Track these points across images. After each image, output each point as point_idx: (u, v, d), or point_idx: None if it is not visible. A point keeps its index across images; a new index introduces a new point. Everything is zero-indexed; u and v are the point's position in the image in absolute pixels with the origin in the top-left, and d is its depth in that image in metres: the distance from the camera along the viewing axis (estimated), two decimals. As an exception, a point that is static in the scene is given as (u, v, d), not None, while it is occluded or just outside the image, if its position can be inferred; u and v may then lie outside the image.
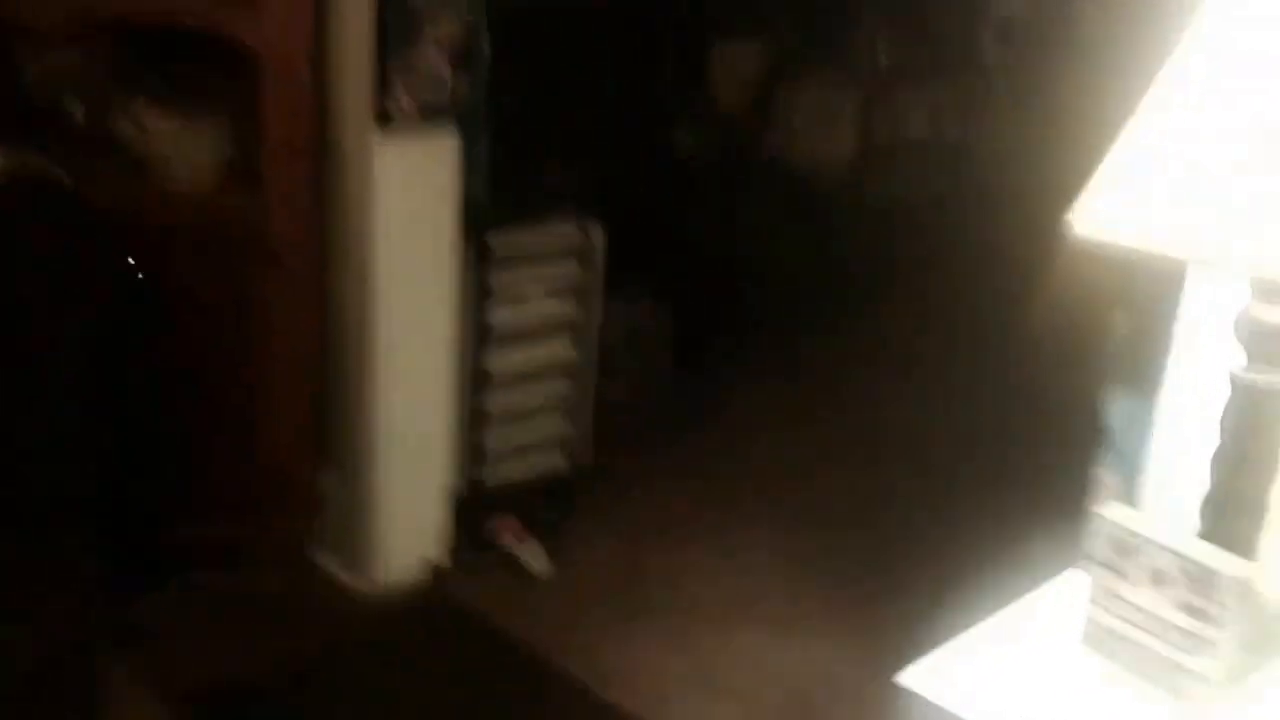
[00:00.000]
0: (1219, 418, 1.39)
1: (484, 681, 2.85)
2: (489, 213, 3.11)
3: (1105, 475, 2.09)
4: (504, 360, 3.28)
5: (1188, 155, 1.29)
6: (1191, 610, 1.32)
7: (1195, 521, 1.42)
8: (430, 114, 2.85)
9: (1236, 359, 1.37)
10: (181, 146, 2.86)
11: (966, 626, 1.44)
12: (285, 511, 3.14)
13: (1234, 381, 1.37)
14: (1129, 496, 2.08)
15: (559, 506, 3.48)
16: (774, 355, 4.65)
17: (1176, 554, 1.32)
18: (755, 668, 2.94)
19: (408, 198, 2.91)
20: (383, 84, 2.76)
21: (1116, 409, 2.07)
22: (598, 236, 3.36)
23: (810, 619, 3.14)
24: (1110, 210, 1.30)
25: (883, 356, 4.78)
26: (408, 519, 3.15)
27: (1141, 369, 2.03)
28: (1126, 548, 1.37)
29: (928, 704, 1.31)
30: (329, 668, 2.88)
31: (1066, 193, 1.39)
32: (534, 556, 3.27)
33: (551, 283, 3.34)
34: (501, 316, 3.24)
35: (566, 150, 3.32)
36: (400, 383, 3.03)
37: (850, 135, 4.82)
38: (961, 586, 3.28)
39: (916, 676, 1.34)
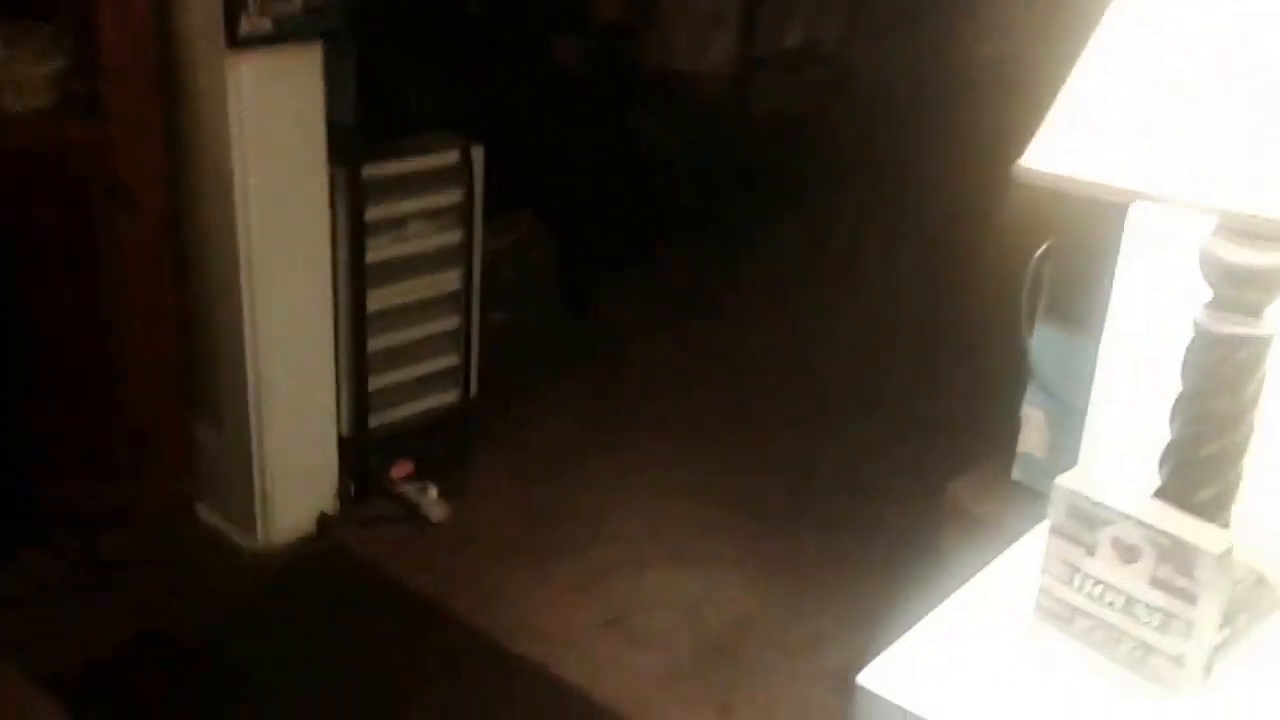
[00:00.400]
0: (1180, 365, 1.27)
1: (385, 639, 2.69)
2: (360, 138, 2.85)
3: (1030, 412, 1.99)
4: (386, 295, 3.05)
5: (1151, 85, 1.15)
6: (1164, 586, 1.21)
7: (1140, 472, 1.31)
8: (289, 29, 2.58)
9: (1200, 301, 1.24)
10: (13, 67, 2.55)
11: (916, 609, 1.31)
12: (157, 469, 2.91)
13: (1198, 327, 1.24)
14: (1055, 434, 1.99)
15: (451, 445, 3.30)
16: (663, 276, 4.49)
17: (1148, 527, 1.21)
18: (667, 609, 2.83)
19: (269, 124, 2.64)
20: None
21: (1042, 343, 1.96)
22: (478, 158, 3.13)
23: (719, 553, 3.04)
24: (1070, 148, 1.16)
25: (777, 275, 4.66)
26: (293, 469, 2.94)
27: (1071, 302, 1.92)
28: (1089, 518, 1.25)
29: (891, 706, 1.18)
30: (213, 632, 2.69)
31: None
32: (430, 501, 3.10)
33: (432, 210, 3.11)
34: (381, 249, 3.01)
35: (440, 66, 3.05)
36: (276, 326, 2.80)
37: (735, 42, 4.60)
38: (865, 517, 3.24)
39: (877, 677, 1.21)
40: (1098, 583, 1.26)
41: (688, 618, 2.80)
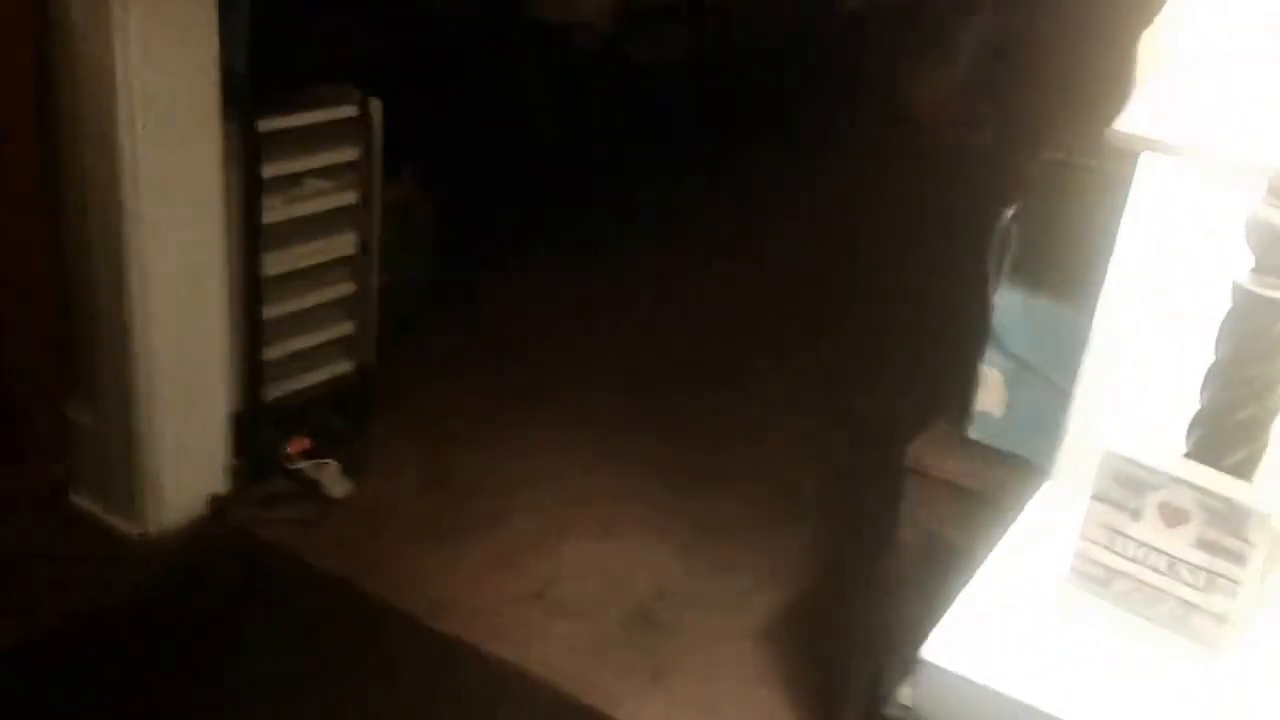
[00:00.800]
0: (1216, 332, 1.27)
1: (298, 627, 2.54)
2: (254, 88, 2.65)
3: (988, 371, 2.00)
4: (280, 259, 2.87)
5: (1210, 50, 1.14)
6: (1211, 548, 1.21)
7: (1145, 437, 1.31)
8: (181, -29, 2.37)
9: (1241, 266, 1.24)
10: None
11: (962, 579, 1.29)
12: (32, 452, 2.67)
13: (1239, 293, 1.24)
14: (1012, 392, 2.00)
15: (350, 418, 3.14)
16: (551, 231, 4.38)
17: (1198, 489, 1.21)
18: (591, 578, 2.77)
19: (158, 74, 2.43)
20: (120, -65, 2.26)
21: (1003, 302, 1.96)
22: (377, 112, 2.96)
23: (638, 520, 2.99)
24: (1145, 114, 1.13)
25: (666, 227, 4.62)
26: (183, 450, 2.74)
27: (1038, 264, 1.93)
28: (1137, 484, 1.24)
29: (957, 679, 1.16)
30: (107, 629, 2.49)
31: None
32: (330, 477, 2.94)
33: (328, 168, 2.93)
34: (275, 209, 2.82)
35: (330, 13, 2.87)
36: (162, 292, 2.59)
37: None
38: (776, 476, 3.25)
39: (938, 651, 1.18)
40: (1141, 545, 1.26)
41: (613, 586, 2.75)
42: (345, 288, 3.07)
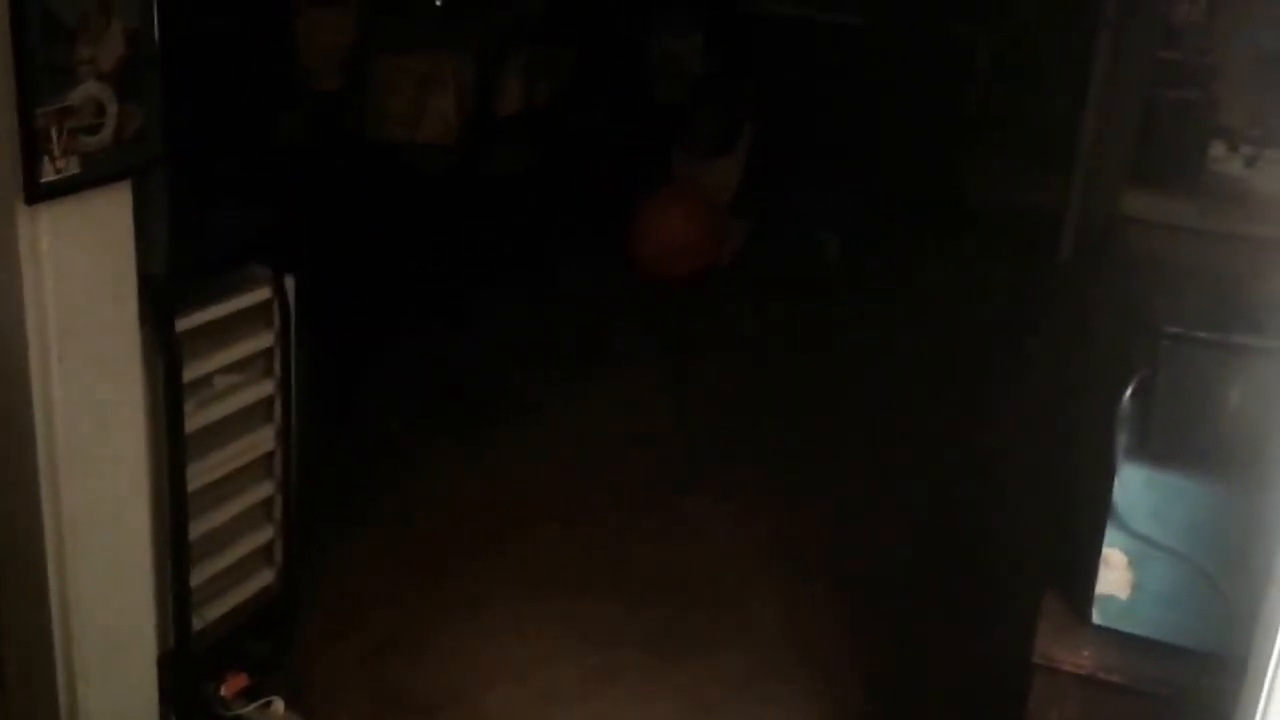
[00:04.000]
0: None
1: None
2: (172, 285, 2.26)
3: (1110, 553, 1.90)
4: (198, 472, 2.46)
5: None
6: None
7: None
8: (100, 168, 1.97)
9: None
10: None
11: None
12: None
13: None
14: (1137, 574, 1.90)
15: (279, 636, 2.73)
16: (423, 358, 4.07)
17: None
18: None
19: (74, 290, 2.01)
20: (32, 138, 1.85)
21: (1125, 480, 1.87)
22: (291, 290, 2.60)
23: (626, 706, 2.73)
24: None
25: (539, 346, 4.37)
26: (112, 713, 2.28)
27: (1167, 440, 1.84)
28: None
29: None
30: None
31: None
32: (279, 718, 2.53)
33: (242, 360, 2.55)
34: (191, 414, 2.41)
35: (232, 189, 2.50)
36: (86, 532, 2.14)
37: (457, 106, 4.25)
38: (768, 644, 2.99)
39: None
40: None
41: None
42: (265, 489, 2.68)
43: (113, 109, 1.98)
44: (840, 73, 5.12)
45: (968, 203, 5.17)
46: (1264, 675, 1.48)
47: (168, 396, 2.29)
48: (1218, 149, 3.44)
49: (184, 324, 2.33)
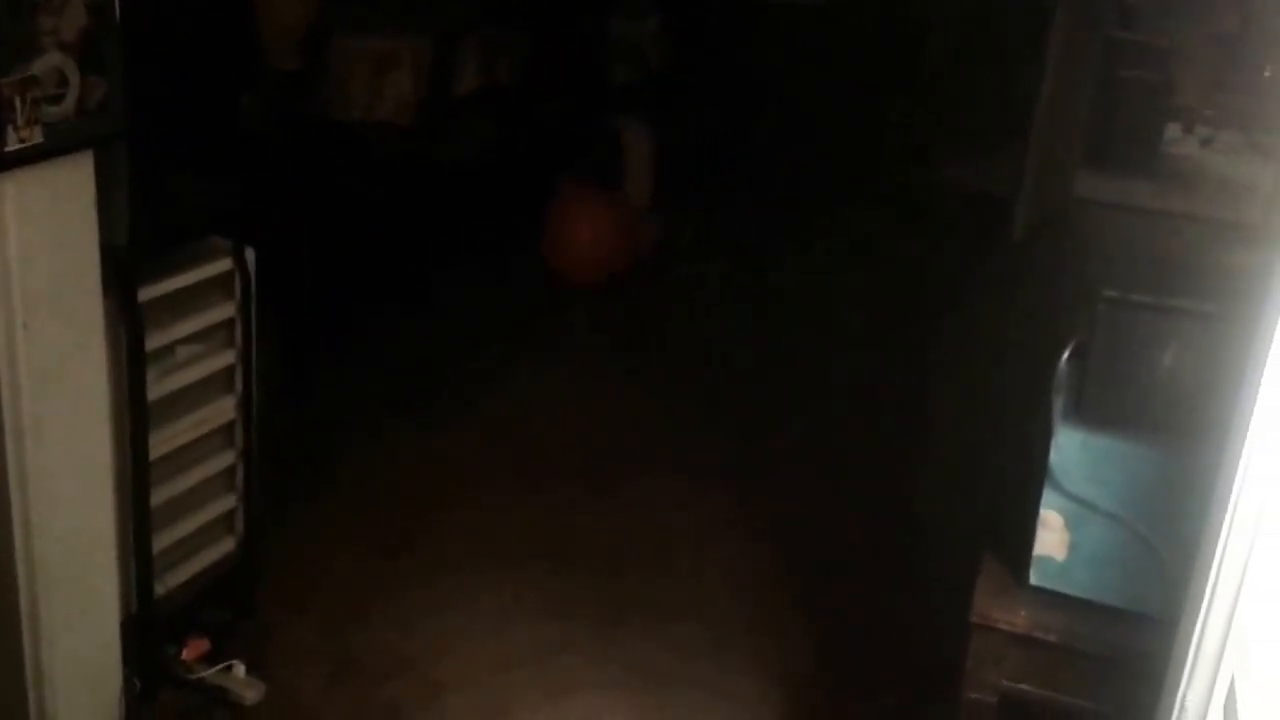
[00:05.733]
0: None
1: None
2: (135, 256, 2.29)
3: (1047, 515, 1.97)
4: (160, 440, 2.49)
5: None
6: None
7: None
8: (64, 138, 2.00)
9: None
10: None
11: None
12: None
13: None
14: (1074, 535, 1.98)
15: (237, 604, 2.77)
16: (379, 337, 4.10)
17: None
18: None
19: (38, 259, 2.04)
20: (-2, 106, 1.87)
21: (1063, 443, 1.94)
22: (252, 262, 2.63)
23: (581, 678, 2.79)
24: None
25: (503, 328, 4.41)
26: (76, 674, 2.31)
27: (1102, 403, 1.92)
28: None
29: None
30: None
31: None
32: (240, 683, 2.58)
33: (203, 330, 2.57)
34: (153, 383, 2.44)
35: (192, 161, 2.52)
36: (49, 500, 2.17)
37: (414, 87, 4.27)
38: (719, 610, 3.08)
39: None
40: None
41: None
42: (226, 458, 2.71)
43: (75, 79, 2.01)
44: (796, 55, 5.18)
45: (921, 184, 5.25)
46: (1191, 635, 1.54)
47: (130, 365, 2.33)
48: (1173, 130, 3.52)
49: (146, 294, 2.37)
